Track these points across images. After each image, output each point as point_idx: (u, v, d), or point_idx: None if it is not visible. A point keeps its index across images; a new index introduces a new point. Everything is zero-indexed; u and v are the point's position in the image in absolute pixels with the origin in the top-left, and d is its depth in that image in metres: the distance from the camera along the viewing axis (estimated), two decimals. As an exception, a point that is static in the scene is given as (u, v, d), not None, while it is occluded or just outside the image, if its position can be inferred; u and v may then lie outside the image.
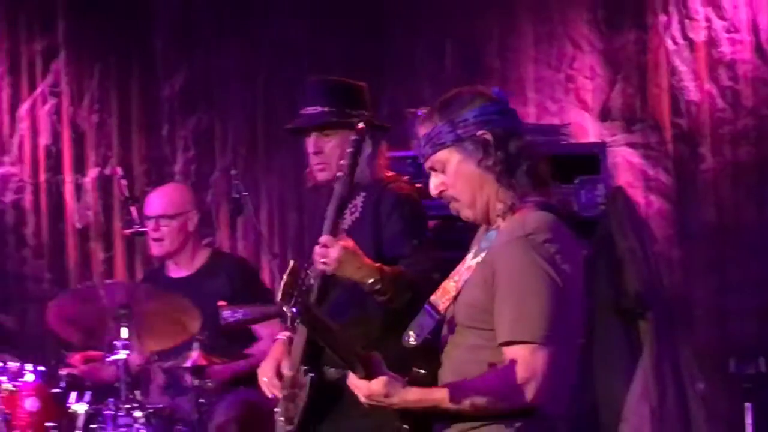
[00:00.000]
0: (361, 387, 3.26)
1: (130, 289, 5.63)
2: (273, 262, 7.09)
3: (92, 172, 7.61)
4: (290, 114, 5.24)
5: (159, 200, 6.20)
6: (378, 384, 3.22)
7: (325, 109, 4.63)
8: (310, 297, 3.54)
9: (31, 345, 6.85)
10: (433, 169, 3.46)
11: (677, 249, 6.62)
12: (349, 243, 4.20)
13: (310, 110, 4.68)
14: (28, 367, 5.81)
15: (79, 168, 7.62)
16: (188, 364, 5.49)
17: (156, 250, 6.17)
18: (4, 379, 5.72)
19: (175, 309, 5.54)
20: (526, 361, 3.18)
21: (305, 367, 4.25)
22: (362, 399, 3.29)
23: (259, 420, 4.68)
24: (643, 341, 5.55)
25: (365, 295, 4.27)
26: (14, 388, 5.71)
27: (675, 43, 6.69)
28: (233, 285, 5.95)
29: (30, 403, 5.68)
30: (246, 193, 5.76)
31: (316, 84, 4.78)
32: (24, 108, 7.60)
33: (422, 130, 3.45)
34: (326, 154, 4.61)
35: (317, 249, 4.21)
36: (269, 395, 4.55)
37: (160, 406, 5.67)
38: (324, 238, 4.21)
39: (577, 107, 6.84)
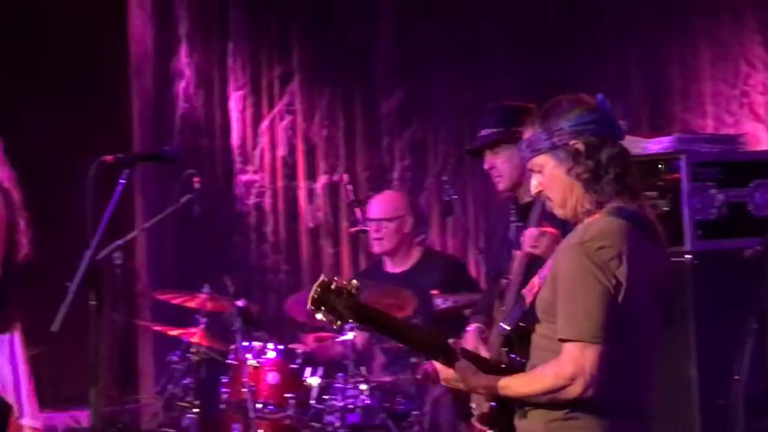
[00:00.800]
0: (441, 371, 3.35)
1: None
2: (479, 257, 7.03)
3: (322, 179, 7.72)
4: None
5: (380, 205, 6.24)
6: (452, 370, 3.32)
7: (494, 130, 4.71)
8: (356, 300, 3.21)
9: (271, 327, 6.83)
10: (532, 170, 3.36)
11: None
12: (555, 230, 4.27)
13: (483, 132, 4.78)
14: (270, 345, 5.92)
15: (311, 175, 7.73)
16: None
17: (377, 248, 6.20)
18: (249, 356, 5.85)
19: (392, 296, 5.60)
20: (575, 357, 3.11)
21: (505, 349, 4.26)
22: (441, 381, 3.39)
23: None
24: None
25: None
26: (258, 364, 5.84)
27: (840, 61, 6.50)
28: (445, 278, 5.89)
29: (272, 377, 5.82)
30: (455, 196, 5.85)
31: (489, 109, 4.87)
32: (264, 124, 7.72)
33: (526, 134, 3.35)
34: (498, 168, 4.72)
35: (529, 237, 4.36)
36: None
37: (383, 380, 5.73)
38: (534, 230, 4.35)
39: (750, 119, 6.66)
